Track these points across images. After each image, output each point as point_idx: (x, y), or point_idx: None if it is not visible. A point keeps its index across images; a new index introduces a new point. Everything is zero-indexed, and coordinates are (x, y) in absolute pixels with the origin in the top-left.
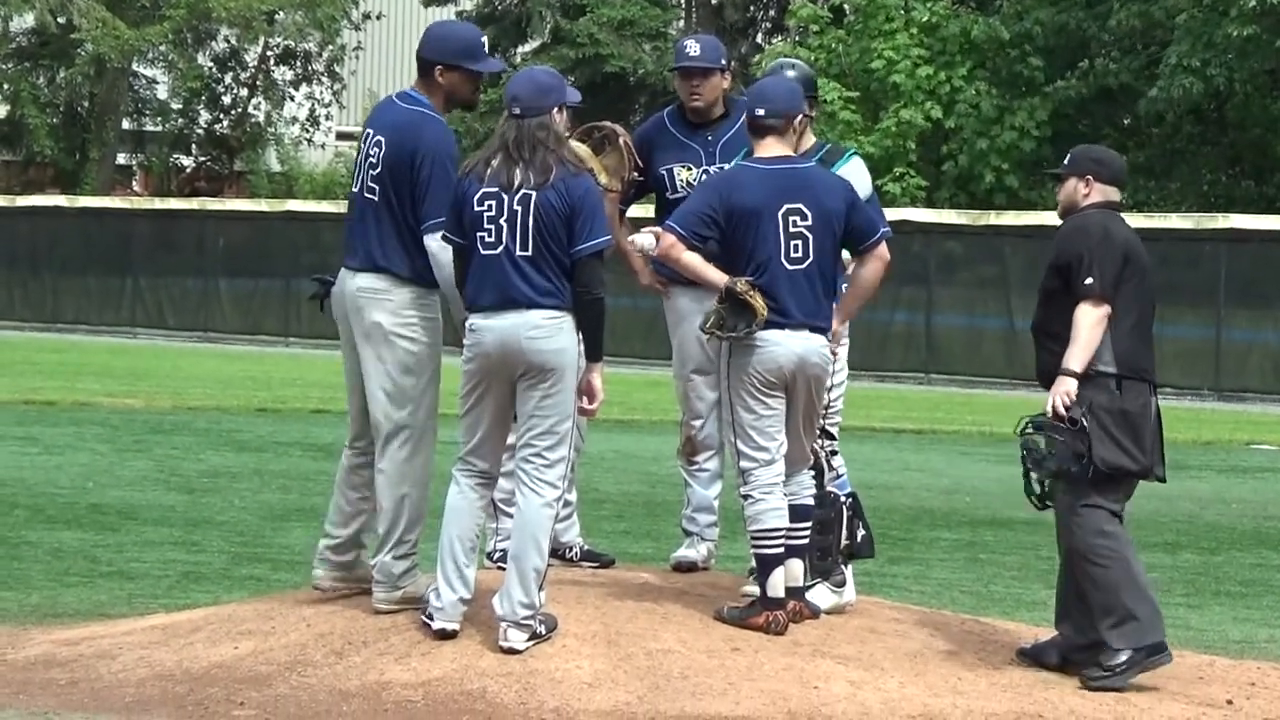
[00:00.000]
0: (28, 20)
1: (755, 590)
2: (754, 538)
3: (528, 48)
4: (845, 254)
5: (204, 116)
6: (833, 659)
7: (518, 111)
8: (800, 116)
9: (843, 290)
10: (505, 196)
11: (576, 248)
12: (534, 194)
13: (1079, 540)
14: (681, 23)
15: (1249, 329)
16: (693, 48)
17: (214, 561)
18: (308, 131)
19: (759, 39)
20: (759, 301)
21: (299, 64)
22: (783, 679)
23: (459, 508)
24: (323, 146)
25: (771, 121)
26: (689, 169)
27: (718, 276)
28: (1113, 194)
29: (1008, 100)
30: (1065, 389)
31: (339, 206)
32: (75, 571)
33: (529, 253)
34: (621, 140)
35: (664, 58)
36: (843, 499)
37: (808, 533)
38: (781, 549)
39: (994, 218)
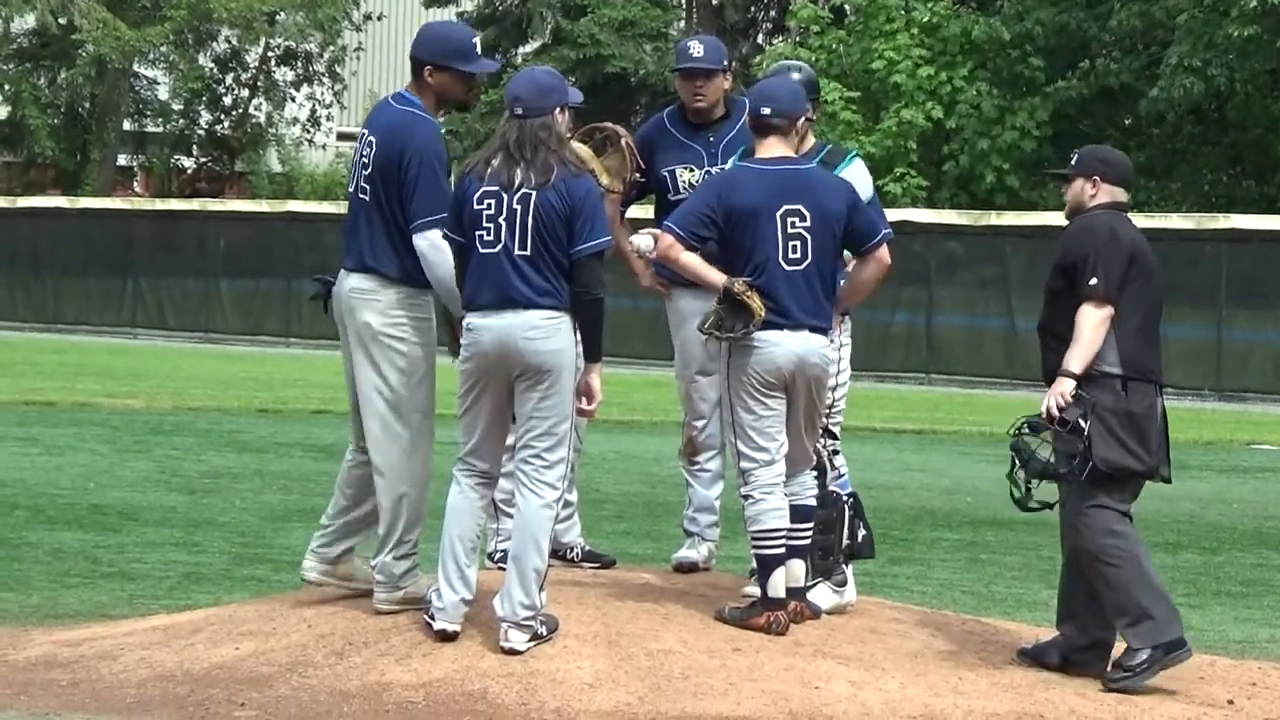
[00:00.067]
0: (29, 21)
1: (756, 591)
2: (754, 538)
3: (528, 48)
4: (846, 253)
5: (205, 117)
6: (834, 659)
7: (520, 112)
8: (803, 118)
9: (841, 285)
10: (505, 195)
11: (576, 248)
12: (534, 194)
13: (1088, 541)
14: (682, 23)
15: (1250, 329)
16: (696, 49)
17: (215, 562)
18: (308, 132)
19: (760, 40)
20: (756, 302)
21: (300, 65)
22: (784, 679)
23: (460, 508)
24: (323, 147)
25: (776, 121)
26: (691, 170)
27: (717, 277)
28: (1120, 194)
29: (1008, 100)
30: (1061, 390)
31: (340, 207)
32: (76, 572)
33: (527, 252)
34: (623, 141)
35: (665, 58)
36: (844, 498)
37: (809, 533)
38: (782, 549)
39: (995, 218)
